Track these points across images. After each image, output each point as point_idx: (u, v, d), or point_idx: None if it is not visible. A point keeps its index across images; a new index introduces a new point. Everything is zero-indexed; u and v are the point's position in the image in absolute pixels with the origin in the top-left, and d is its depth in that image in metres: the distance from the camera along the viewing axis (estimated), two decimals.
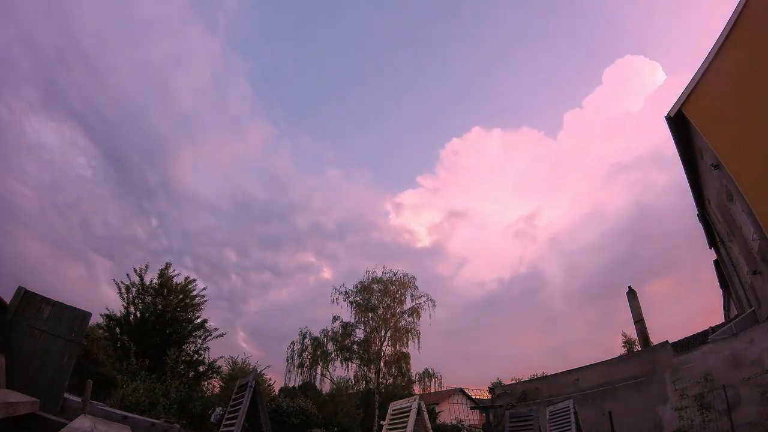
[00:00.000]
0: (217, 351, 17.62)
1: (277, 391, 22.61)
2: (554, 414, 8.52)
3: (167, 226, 54.17)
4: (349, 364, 23.32)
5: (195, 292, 15.88)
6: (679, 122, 10.67)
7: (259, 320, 49.24)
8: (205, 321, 15.89)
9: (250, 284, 57.12)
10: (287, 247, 58.49)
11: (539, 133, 72.81)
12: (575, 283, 56.31)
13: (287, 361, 23.28)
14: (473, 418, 23.65)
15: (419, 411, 6.97)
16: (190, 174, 65.19)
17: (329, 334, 23.85)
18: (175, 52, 59.56)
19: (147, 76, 58.63)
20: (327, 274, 46.58)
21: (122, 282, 14.84)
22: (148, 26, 55.77)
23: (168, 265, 15.64)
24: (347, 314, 24.12)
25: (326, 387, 23.52)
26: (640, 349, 18.84)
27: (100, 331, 15.31)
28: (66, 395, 5.23)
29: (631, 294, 19.34)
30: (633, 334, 21.52)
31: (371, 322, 23.68)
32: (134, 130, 55.90)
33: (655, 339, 17.05)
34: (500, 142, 69.23)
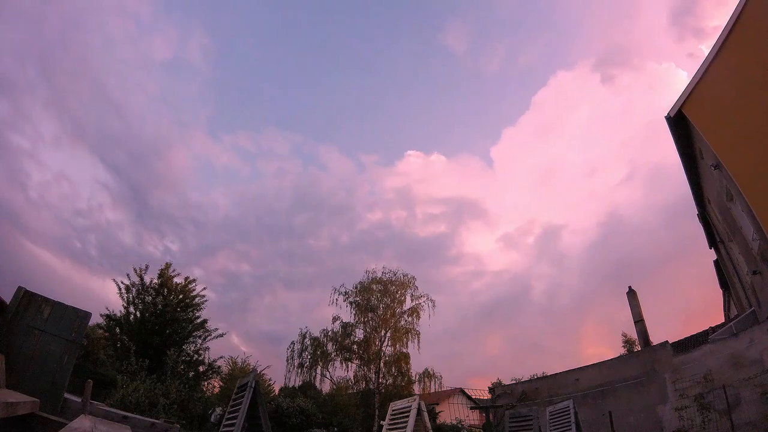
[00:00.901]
0: (217, 351, 17.63)
1: (277, 391, 22.60)
2: (554, 414, 8.51)
3: (184, 244, 55.84)
4: (349, 364, 23.30)
5: (195, 292, 15.89)
6: (679, 122, 10.67)
7: (261, 321, 49.64)
8: (205, 321, 15.89)
9: (259, 292, 57.95)
10: (300, 258, 58.92)
11: (480, 161, 75.17)
12: (557, 294, 57.95)
13: (287, 361, 23.26)
14: (473, 418, 23.64)
15: (419, 411, 6.97)
16: (205, 193, 67.13)
17: (329, 334, 23.83)
18: (189, 86, 61.56)
19: (162, 106, 61.03)
20: (334, 277, 47.24)
21: (122, 282, 14.85)
22: (163, 63, 58.13)
23: (168, 265, 15.64)
24: (347, 314, 24.13)
25: (326, 387, 23.53)
26: (640, 349, 18.86)
27: (100, 331, 15.32)
28: (66, 395, 5.22)
29: (631, 294, 19.35)
30: (633, 334, 21.58)
31: (371, 322, 23.65)
32: (154, 157, 58.60)
33: (655, 339, 17.09)
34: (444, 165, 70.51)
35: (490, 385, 19.48)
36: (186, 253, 54.39)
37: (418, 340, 23.10)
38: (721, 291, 20.07)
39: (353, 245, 55.60)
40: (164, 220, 61.63)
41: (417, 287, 24.52)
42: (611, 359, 14.67)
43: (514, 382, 19.34)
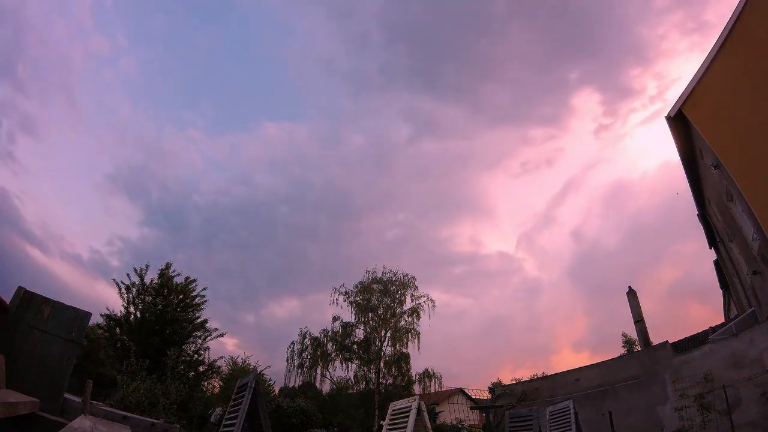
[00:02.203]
0: (217, 351, 17.67)
1: (277, 391, 22.61)
2: (554, 414, 8.51)
3: (207, 258, 58.92)
4: (349, 364, 23.32)
5: (195, 292, 15.88)
6: (679, 122, 10.67)
7: (261, 323, 49.89)
8: (205, 321, 15.91)
9: (261, 294, 58.62)
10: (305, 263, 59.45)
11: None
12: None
13: (287, 361, 23.29)
14: (473, 418, 23.64)
15: (419, 411, 6.97)
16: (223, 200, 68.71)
17: (329, 334, 23.85)
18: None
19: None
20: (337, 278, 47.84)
21: (122, 282, 14.85)
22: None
23: (168, 266, 15.64)
24: (347, 314, 24.14)
25: (326, 387, 23.56)
26: (640, 349, 18.85)
27: (100, 331, 15.32)
28: (66, 395, 5.22)
29: (631, 294, 19.34)
30: (633, 334, 21.58)
31: (371, 322, 23.67)
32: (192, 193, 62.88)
33: (655, 339, 17.09)
34: None
35: (490, 385, 19.48)
36: (208, 267, 56.56)
37: (418, 341, 23.13)
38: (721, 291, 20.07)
39: (367, 251, 56.12)
40: (186, 236, 63.66)
41: (417, 287, 24.55)
42: (611, 359, 14.66)
43: (514, 382, 19.34)
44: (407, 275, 24.71)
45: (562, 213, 71.07)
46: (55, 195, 63.34)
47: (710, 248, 16.48)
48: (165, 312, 14.47)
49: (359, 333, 23.92)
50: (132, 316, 14.57)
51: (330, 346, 23.63)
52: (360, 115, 66.81)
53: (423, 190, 66.82)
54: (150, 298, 14.72)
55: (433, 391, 23.10)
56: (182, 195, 69.05)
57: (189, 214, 67.65)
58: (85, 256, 56.34)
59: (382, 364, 22.74)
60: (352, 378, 23.19)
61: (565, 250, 68.47)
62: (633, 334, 22.07)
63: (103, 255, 54.80)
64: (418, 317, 23.63)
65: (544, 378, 16.76)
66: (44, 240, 54.79)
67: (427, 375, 22.92)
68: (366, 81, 63.60)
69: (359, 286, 24.37)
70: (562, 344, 56.24)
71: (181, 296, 15.42)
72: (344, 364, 23.31)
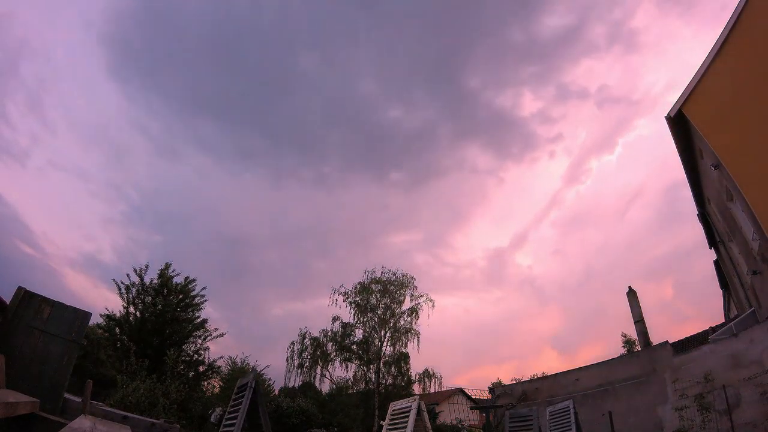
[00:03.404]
0: (217, 351, 17.67)
1: (277, 391, 22.61)
2: (554, 414, 8.51)
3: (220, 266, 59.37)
4: (349, 364, 23.35)
5: (195, 292, 15.86)
6: (679, 122, 10.67)
7: (261, 321, 49.98)
8: (205, 321, 15.88)
9: (261, 294, 58.89)
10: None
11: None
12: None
13: (287, 361, 23.32)
14: (473, 418, 23.64)
15: (419, 411, 6.97)
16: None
17: (329, 334, 23.87)
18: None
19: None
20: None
21: (122, 282, 14.83)
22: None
23: (168, 265, 15.61)
24: (347, 314, 24.15)
25: (326, 387, 23.57)
26: (640, 349, 18.86)
27: (100, 331, 15.30)
28: (66, 395, 5.22)
29: (631, 294, 19.35)
30: (633, 334, 21.58)
31: (370, 322, 23.68)
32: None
33: (656, 339, 17.10)
34: None
35: (490, 385, 19.48)
36: (218, 272, 57.45)
37: (418, 340, 23.16)
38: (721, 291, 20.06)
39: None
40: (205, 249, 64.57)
41: (416, 287, 24.56)
42: (611, 359, 14.65)
43: (514, 382, 19.34)
44: (406, 275, 24.74)
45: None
46: (81, 218, 65.66)
47: (710, 248, 16.48)
48: (165, 312, 14.45)
49: (359, 333, 23.98)
50: (132, 316, 14.54)
51: (330, 347, 23.68)
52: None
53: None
54: (150, 298, 14.70)
55: (433, 391, 23.14)
56: (209, 218, 69.85)
57: (214, 242, 68.34)
58: (111, 276, 56.92)
59: (381, 364, 22.75)
60: (351, 378, 23.24)
61: (550, 267, 70.11)
62: (633, 334, 22.08)
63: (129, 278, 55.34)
64: (417, 317, 23.67)
65: (544, 378, 16.76)
66: (70, 259, 57.18)
67: (427, 375, 22.96)
68: (326, 180, 69.51)
69: (358, 286, 24.38)
70: (542, 349, 57.25)
71: (180, 296, 15.40)
72: (344, 364, 23.37)
